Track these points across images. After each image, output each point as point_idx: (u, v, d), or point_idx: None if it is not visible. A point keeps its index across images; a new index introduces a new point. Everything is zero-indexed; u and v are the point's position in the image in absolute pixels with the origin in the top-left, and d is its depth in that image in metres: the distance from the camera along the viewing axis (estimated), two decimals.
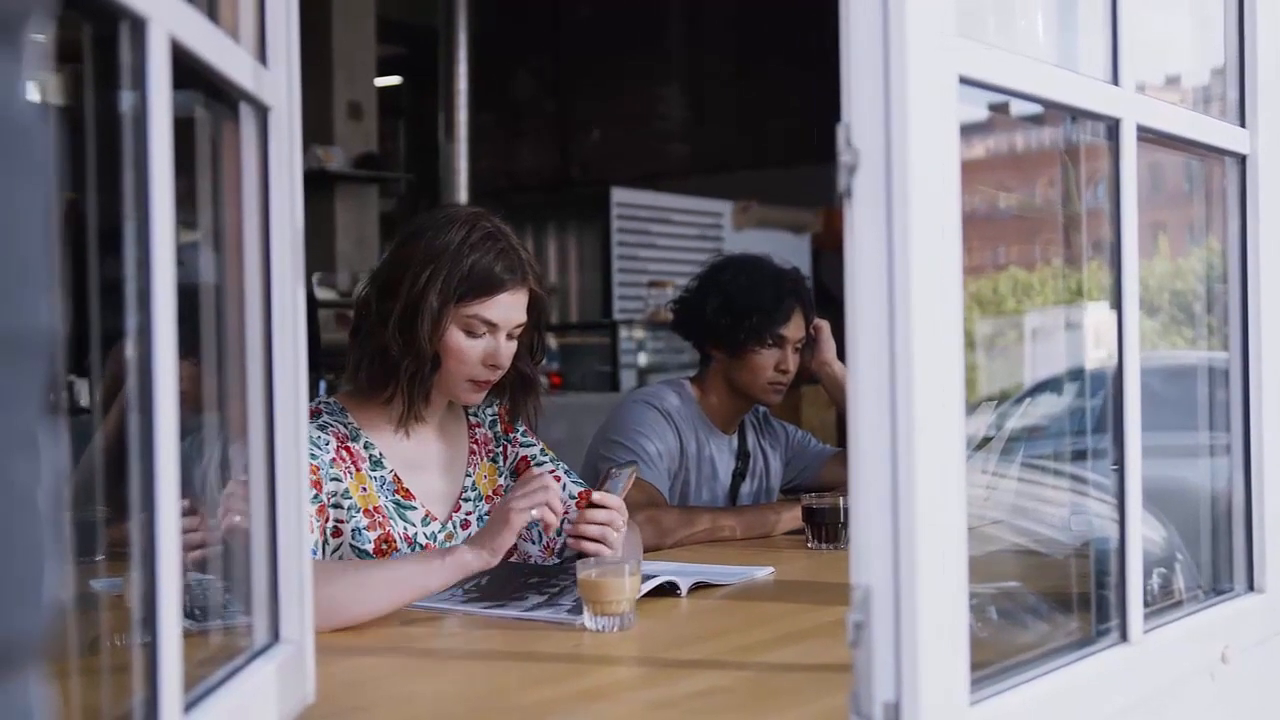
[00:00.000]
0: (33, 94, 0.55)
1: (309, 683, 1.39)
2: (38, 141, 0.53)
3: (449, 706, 1.55)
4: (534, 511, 1.95)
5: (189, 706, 1.06)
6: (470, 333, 2.15)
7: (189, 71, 1.09)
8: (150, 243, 0.98)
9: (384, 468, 2.18)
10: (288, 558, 1.35)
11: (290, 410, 1.35)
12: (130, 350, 0.99)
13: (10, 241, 0.51)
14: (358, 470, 2.14)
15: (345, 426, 2.17)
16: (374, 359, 2.15)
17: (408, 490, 2.19)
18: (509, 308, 2.16)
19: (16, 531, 0.52)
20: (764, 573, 2.30)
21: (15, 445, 0.52)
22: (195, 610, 1.33)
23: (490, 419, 2.38)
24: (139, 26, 0.97)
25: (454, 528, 2.24)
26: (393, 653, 1.79)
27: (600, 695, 1.56)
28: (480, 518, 2.27)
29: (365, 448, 2.17)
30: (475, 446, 2.33)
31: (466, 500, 2.28)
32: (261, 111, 1.32)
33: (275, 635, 1.34)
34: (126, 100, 0.99)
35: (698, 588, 2.13)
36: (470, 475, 2.30)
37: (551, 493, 1.98)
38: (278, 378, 1.34)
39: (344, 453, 2.13)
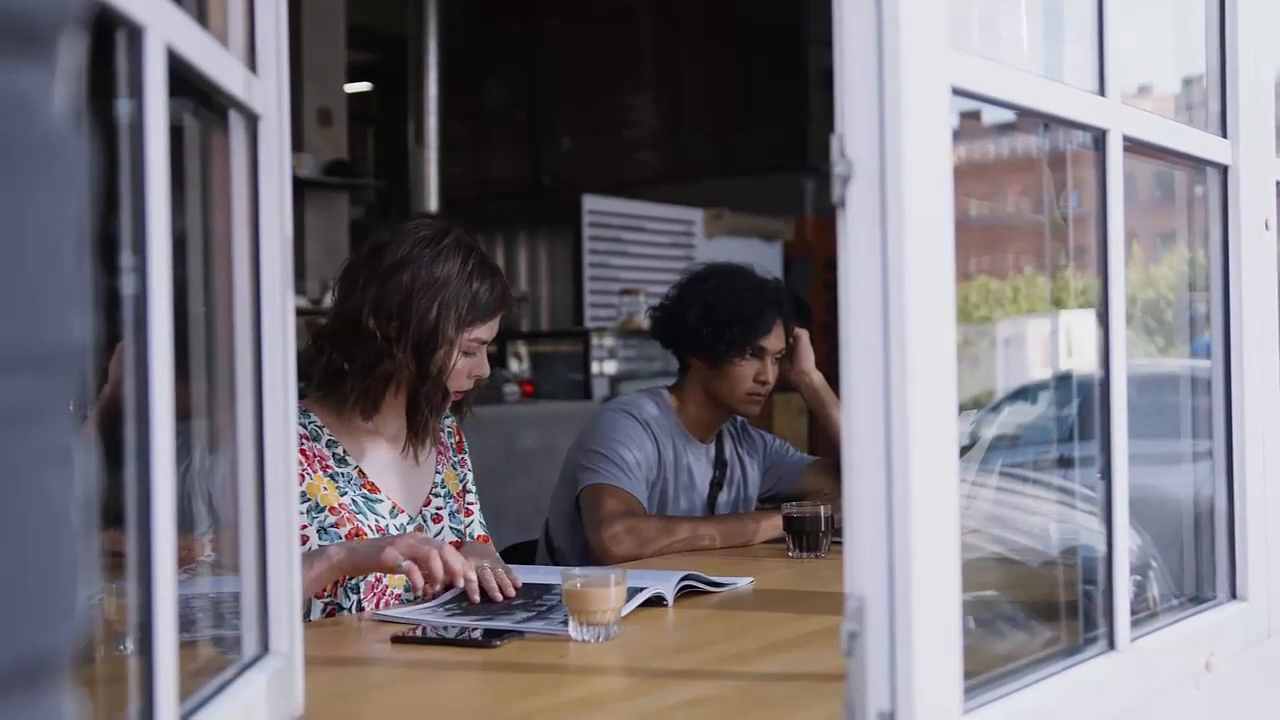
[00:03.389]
0: (64, 105, 0.54)
1: (298, 695, 1.38)
2: (72, 153, 0.53)
3: (438, 718, 1.54)
4: (404, 564, 1.96)
5: (183, 719, 1.05)
6: (468, 353, 2.26)
7: (179, 78, 1.08)
8: (147, 251, 0.97)
9: (349, 465, 2.24)
10: (277, 569, 1.34)
11: (280, 419, 1.34)
12: (125, 358, 0.99)
13: (47, 255, 0.50)
14: (315, 471, 2.20)
15: (305, 427, 2.21)
16: (380, 383, 2.22)
17: (373, 484, 2.26)
18: (497, 325, 2.31)
19: (51, 546, 0.52)
20: (745, 583, 2.30)
21: (49, 459, 0.52)
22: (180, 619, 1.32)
23: (448, 430, 2.47)
24: (136, 35, 0.96)
25: (425, 521, 2.33)
26: (381, 665, 1.78)
27: (589, 706, 1.56)
28: (452, 513, 2.37)
29: (328, 446, 2.24)
30: (442, 447, 2.42)
31: (437, 495, 2.37)
32: (251, 120, 1.31)
33: (265, 647, 1.33)
34: (122, 108, 0.98)
35: (684, 594, 2.14)
36: (440, 473, 2.39)
37: (434, 561, 1.98)
38: (267, 387, 1.33)
39: (299, 455, 2.17)
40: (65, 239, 0.52)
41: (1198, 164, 1.79)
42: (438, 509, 2.36)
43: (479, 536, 2.43)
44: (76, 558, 0.53)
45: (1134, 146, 1.56)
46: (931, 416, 1.16)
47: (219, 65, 1.17)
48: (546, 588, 2.14)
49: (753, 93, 9.17)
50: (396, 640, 1.84)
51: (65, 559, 0.52)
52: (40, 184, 0.51)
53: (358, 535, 2.18)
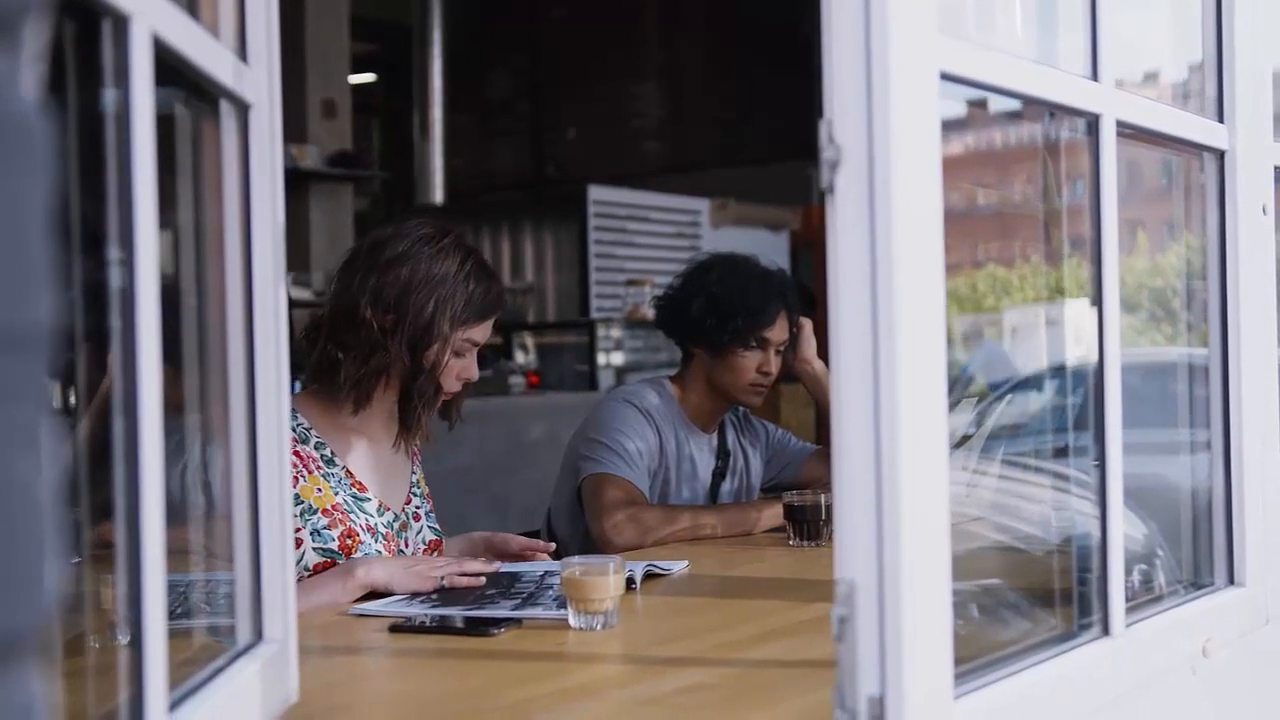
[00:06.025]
0: (31, 90, 0.54)
1: (292, 682, 1.39)
2: (37, 137, 0.53)
3: (433, 706, 1.55)
4: (445, 581, 2.10)
5: (173, 706, 1.06)
6: (458, 354, 2.28)
7: (168, 68, 1.08)
8: (134, 243, 0.97)
9: (336, 465, 2.27)
10: (270, 557, 1.34)
11: (272, 410, 1.34)
12: (113, 352, 0.99)
13: (13, 237, 0.51)
14: (310, 473, 2.23)
15: (294, 430, 2.23)
16: (374, 375, 2.24)
17: (360, 483, 2.29)
18: (490, 329, 2.34)
19: (18, 526, 0.52)
20: (680, 566, 2.33)
21: (17, 440, 0.52)
22: (174, 610, 1.33)
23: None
24: (121, 23, 0.96)
25: (407, 518, 2.37)
26: (376, 652, 1.78)
27: (586, 693, 1.56)
28: (427, 513, 2.43)
29: (316, 448, 2.26)
30: (418, 448, 2.46)
31: (415, 495, 2.42)
32: (242, 109, 1.31)
33: (259, 634, 1.33)
34: (108, 97, 0.98)
35: (648, 578, 2.19)
36: (415, 473, 2.44)
37: (467, 565, 2.16)
38: (260, 378, 1.33)
39: (294, 457, 2.19)
40: (32, 222, 0.53)
41: (1195, 149, 1.78)
42: (416, 508, 2.41)
43: (430, 541, 2.44)
44: (45, 538, 0.53)
45: (1129, 132, 1.55)
46: (921, 402, 1.16)
47: (208, 54, 1.18)
48: (515, 576, 2.18)
49: (756, 81, 9.16)
50: (394, 629, 1.85)
51: (33, 539, 0.53)
52: (5, 166, 0.52)
53: (350, 535, 2.21)
